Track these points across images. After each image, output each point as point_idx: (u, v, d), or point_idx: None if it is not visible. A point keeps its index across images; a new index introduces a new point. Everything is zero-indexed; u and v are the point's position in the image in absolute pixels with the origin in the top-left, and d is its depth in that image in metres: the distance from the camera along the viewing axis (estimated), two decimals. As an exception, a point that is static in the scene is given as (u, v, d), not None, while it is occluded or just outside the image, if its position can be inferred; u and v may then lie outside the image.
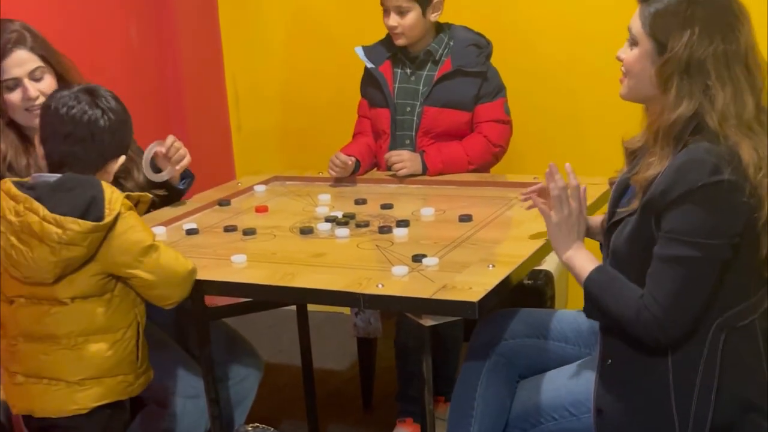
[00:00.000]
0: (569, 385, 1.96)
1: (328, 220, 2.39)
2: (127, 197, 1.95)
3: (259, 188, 2.83)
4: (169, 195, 2.58)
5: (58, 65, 2.33)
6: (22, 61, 2.26)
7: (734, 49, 1.69)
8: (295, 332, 2.69)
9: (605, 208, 2.05)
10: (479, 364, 2.06)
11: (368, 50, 2.93)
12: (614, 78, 1.88)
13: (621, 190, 1.90)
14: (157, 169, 2.50)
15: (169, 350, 2.34)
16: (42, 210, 1.84)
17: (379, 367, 3.14)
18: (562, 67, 3.30)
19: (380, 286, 1.87)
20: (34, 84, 2.28)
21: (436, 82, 2.83)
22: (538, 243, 2.08)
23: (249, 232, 2.34)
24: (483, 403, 2.01)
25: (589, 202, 2.29)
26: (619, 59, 1.84)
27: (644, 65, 1.76)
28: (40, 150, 2.01)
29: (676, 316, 1.70)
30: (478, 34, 2.91)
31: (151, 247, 1.94)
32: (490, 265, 1.95)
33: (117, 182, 2.39)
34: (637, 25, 1.77)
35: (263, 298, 2.30)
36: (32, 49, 2.28)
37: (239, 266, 2.10)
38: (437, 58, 2.85)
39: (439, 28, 2.89)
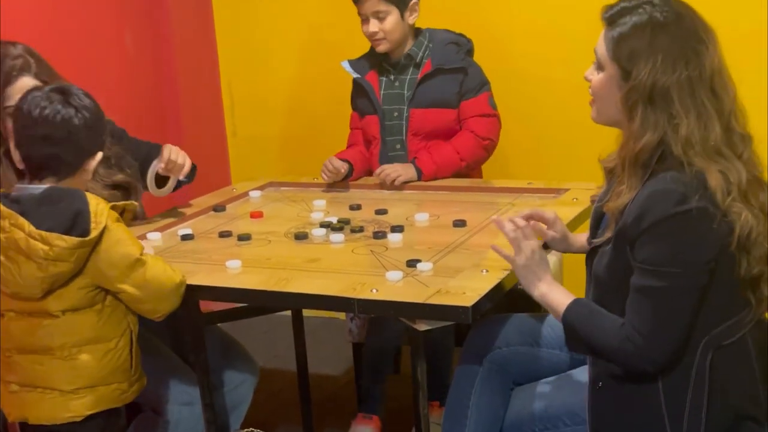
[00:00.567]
0: (564, 395, 1.96)
1: (322, 225, 2.40)
2: (113, 207, 1.94)
3: (254, 194, 2.84)
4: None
5: None
6: (27, 88, 2.18)
7: (699, 75, 1.67)
8: (290, 337, 2.70)
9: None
10: (472, 372, 2.06)
11: (354, 63, 2.98)
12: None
13: (598, 218, 1.90)
14: (162, 182, 2.53)
15: (164, 357, 2.34)
16: (27, 226, 1.83)
17: (374, 372, 3.14)
18: (552, 71, 3.31)
19: (374, 291, 1.88)
20: None
21: (418, 84, 2.86)
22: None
23: (244, 237, 2.35)
24: (477, 411, 2.01)
25: (576, 212, 2.32)
26: (587, 80, 1.83)
27: (610, 90, 1.75)
28: (16, 155, 1.98)
29: (658, 345, 1.70)
30: (458, 34, 2.96)
31: (138, 262, 1.92)
32: (484, 270, 1.96)
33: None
34: (602, 49, 1.75)
35: (258, 303, 2.32)
36: (36, 76, 2.24)
37: (234, 272, 2.11)
38: (418, 61, 2.89)
39: (418, 32, 2.93)
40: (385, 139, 2.92)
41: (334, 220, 2.44)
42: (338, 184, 2.88)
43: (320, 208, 2.63)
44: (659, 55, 1.67)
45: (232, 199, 2.79)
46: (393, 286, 1.93)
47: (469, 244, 2.20)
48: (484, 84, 2.92)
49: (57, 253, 1.83)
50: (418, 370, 2.04)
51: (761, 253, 1.70)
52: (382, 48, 2.86)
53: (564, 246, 2.14)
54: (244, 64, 3.87)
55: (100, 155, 2.00)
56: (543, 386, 2.04)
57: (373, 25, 2.83)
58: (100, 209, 1.89)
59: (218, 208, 2.68)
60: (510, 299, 1.97)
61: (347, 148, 3.04)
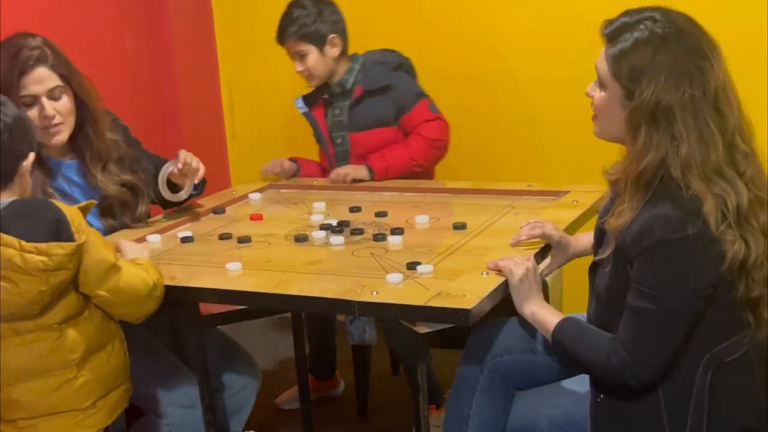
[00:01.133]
0: (565, 404, 1.95)
1: (322, 227, 2.40)
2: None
3: (254, 196, 2.84)
4: (180, 202, 2.62)
5: (77, 86, 2.31)
6: (42, 78, 2.23)
7: (702, 93, 1.64)
8: (290, 340, 2.70)
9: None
10: (473, 380, 2.04)
11: (306, 97, 3.09)
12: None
13: (600, 233, 1.90)
14: (172, 187, 2.54)
15: (166, 360, 2.34)
16: (18, 242, 1.77)
17: (374, 374, 3.14)
18: (551, 74, 3.31)
19: (375, 293, 1.88)
20: (52, 103, 2.26)
21: (350, 109, 2.97)
22: (532, 251, 2.09)
23: (244, 239, 2.35)
24: (478, 421, 2.00)
25: (576, 214, 2.33)
26: (589, 96, 1.81)
27: (613, 108, 1.73)
28: None
29: (644, 362, 1.70)
30: (390, 51, 3.05)
31: (113, 267, 1.90)
32: (484, 273, 1.96)
33: (115, 215, 2.42)
34: (603, 67, 1.73)
35: (258, 305, 2.31)
36: (53, 68, 2.25)
37: (234, 274, 2.11)
38: (349, 87, 2.98)
39: (352, 58, 3.01)
40: (333, 166, 3.03)
41: (334, 222, 2.44)
42: (340, 186, 2.89)
43: (320, 210, 2.63)
44: (662, 73, 1.64)
45: (232, 202, 2.79)
46: (393, 288, 1.93)
47: (470, 247, 2.19)
48: (418, 94, 2.99)
49: (57, 262, 1.79)
50: (418, 372, 2.04)
51: (762, 276, 1.69)
52: (312, 83, 3.01)
53: (570, 254, 2.15)
54: (244, 66, 3.87)
55: (32, 156, 1.93)
56: (544, 394, 2.04)
57: (298, 65, 2.96)
58: (73, 214, 1.86)
59: (218, 211, 2.68)
60: (509, 302, 1.96)
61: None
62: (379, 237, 2.29)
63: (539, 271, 2.00)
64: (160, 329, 2.46)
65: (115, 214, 2.43)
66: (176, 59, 3.69)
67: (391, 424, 3.02)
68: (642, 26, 1.68)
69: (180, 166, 2.48)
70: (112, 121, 2.47)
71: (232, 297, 2.06)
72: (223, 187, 3.10)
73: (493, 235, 2.26)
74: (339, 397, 3.27)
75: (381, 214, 2.52)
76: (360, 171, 2.92)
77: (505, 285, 1.92)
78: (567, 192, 2.57)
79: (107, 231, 2.42)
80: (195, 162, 2.51)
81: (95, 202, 2.04)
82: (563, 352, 1.83)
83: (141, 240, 2.38)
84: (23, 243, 1.77)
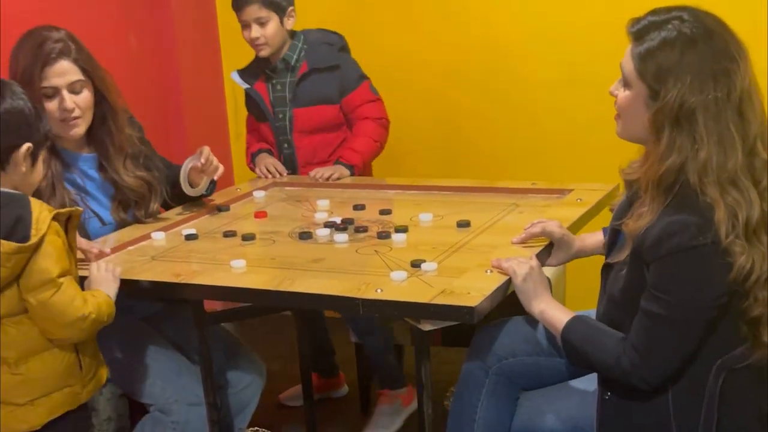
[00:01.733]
0: (571, 408, 1.95)
1: (327, 225, 2.40)
2: (58, 215, 1.88)
3: (258, 194, 2.84)
4: (185, 201, 2.64)
5: (98, 80, 2.33)
6: (64, 71, 2.26)
7: (726, 96, 1.62)
8: (293, 337, 2.70)
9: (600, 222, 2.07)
10: (478, 383, 2.04)
11: (243, 72, 3.10)
12: (605, 86, 1.87)
13: (614, 235, 1.89)
14: (189, 183, 2.56)
15: (171, 357, 2.34)
16: None
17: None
18: (555, 72, 3.32)
19: (379, 291, 1.88)
20: (72, 96, 2.28)
21: (297, 85, 2.99)
22: (536, 248, 2.09)
23: (248, 237, 2.35)
24: (483, 425, 2.00)
25: (580, 212, 2.33)
26: (612, 95, 1.79)
27: (637, 108, 1.71)
28: None
29: (654, 366, 1.70)
30: (331, 32, 3.09)
31: (51, 282, 1.85)
32: (488, 271, 1.96)
33: (128, 209, 2.43)
34: (629, 66, 1.71)
35: (263, 303, 2.31)
36: (75, 61, 2.27)
37: (238, 271, 2.11)
38: (293, 64, 3.00)
39: (293, 35, 3.04)
40: (277, 140, 3.05)
41: (338, 220, 2.44)
42: (341, 184, 2.89)
43: (324, 208, 2.63)
44: (688, 74, 1.62)
45: (236, 199, 2.79)
46: (397, 286, 1.92)
47: (474, 245, 2.19)
48: (361, 76, 3.05)
49: None
50: (422, 370, 2.04)
51: (764, 295, 1.67)
52: (264, 53, 2.99)
53: (573, 252, 2.15)
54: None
55: (26, 146, 1.90)
56: (550, 396, 2.03)
57: (255, 31, 2.94)
58: (42, 217, 1.84)
59: (222, 208, 2.68)
60: (514, 299, 1.96)
61: (250, 148, 3.17)
62: (384, 235, 2.29)
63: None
64: (165, 327, 2.47)
65: (128, 208, 2.45)
66: (180, 58, 3.69)
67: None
68: (670, 26, 1.66)
69: (203, 161, 2.49)
70: (129, 119, 2.50)
71: (237, 294, 2.05)
72: (227, 185, 3.10)
73: (498, 233, 2.26)
74: (342, 395, 3.27)
75: (385, 212, 2.52)
76: (340, 169, 2.95)
77: (510, 282, 1.92)
78: (571, 190, 2.56)
79: (119, 224, 2.43)
80: (216, 161, 2.54)
81: (81, 210, 2.02)
82: (572, 352, 1.82)
83: (145, 238, 2.39)
84: None
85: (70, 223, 1.93)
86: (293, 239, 2.35)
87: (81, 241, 2.15)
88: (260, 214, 2.60)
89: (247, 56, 3.07)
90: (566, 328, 1.82)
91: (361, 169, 3.01)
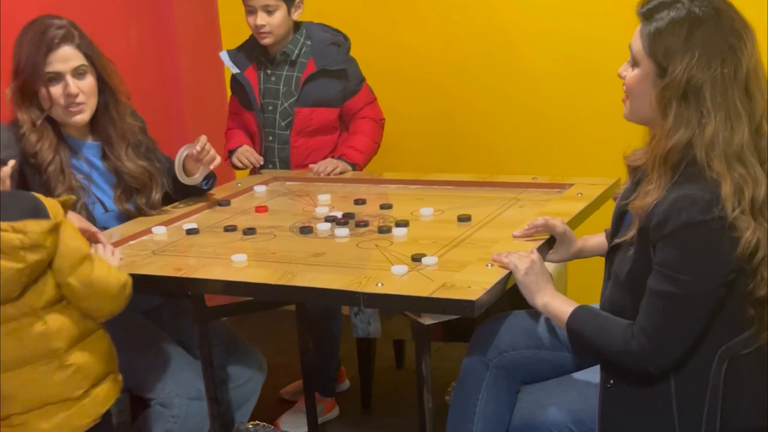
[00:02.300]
0: (571, 401, 1.95)
1: (327, 219, 2.40)
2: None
3: (259, 188, 2.85)
4: (186, 195, 2.65)
5: (101, 67, 2.37)
6: (68, 57, 2.30)
7: (733, 73, 1.65)
8: (294, 333, 2.70)
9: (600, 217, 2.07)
10: (478, 377, 2.04)
11: (233, 54, 3.05)
12: (610, 81, 1.88)
13: (620, 216, 1.89)
14: (185, 173, 2.56)
15: (172, 352, 2.35)
16: None
17: (378, 367, 3.15)
18: (556, 67, 3.31)
19: (380, 285, 1.88)
20: (76, 81, 2.32)
21: (304, 83, 2.95)
22: (537, 243, 2.09)
23: (249, 231, 2.35)
24: (483, 419, 2.00)
25: (581, 207, 2.33)
26: (621, 77, 1.80)
27: (645, 87, 1.73)
28: None
29: (664, 348, 1.70)
30: (336, 31, 3.05)
31: (87, 257, 1.89)
32: (489, 265, 1.96)
33: (131, 198, 2.45)
34: (638, 44, 1.73)
35: (264, 297, 2.32)
36: (78, 47, 2.32)
37: (239, 265, 2.11)
38: (293, 58, 2.97)
39: (296, 28, 3.01)
40: (261, 132, 3.03)
41: (339, 214, 2.44)
42: (342, 179, 2.90)
43: (325, 202, 2.63)
44: (696, 51, 1.64)
45: (237, 194, 2.80)
46: (398, 280, 1.93)
47: (474, 239, 2.19)
48: (362, 79, 3.05)
49: (33, 239, 1.79)
50: (423, 364, 2.04)
51: None
52: (267, 41, 2.94)
53: (574, 250, 2.15)
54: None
55: (11, 163, 1.96)
56: (550, 390, 2.03)
57: (261, 18, 2.89)
58: (51, 203, 1.88)
59: (223, 203, 2.69)
60: (514, 294, 1.97)
61: (229, 132, 3.14)
62: (384, 229, 2.29)
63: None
64: (166, 321, 2.47)
65: (131, 198, 2.46)
66: (181, 53, 3.69)
67: (395, 417, 3.02)
68: (679, 5, 1.68)
69: (198, 148, 2.50)
70: (132, 113, 2.52)
71: (238, 288, 2.05)
72: (228, 180, 3.11)
73: (498, 227, 2.26)
74: (343, 389, 3.27)
75: (386, 207, 2.52)
76: (342, 164, 2.95)
77: (510, 276, 1.92)
78: (572, 185, 2.56)
79: (122, 214, 2.45)
80: (213, 150, 2.54)
81: (74, 198, 2.05)
82: (578, 341, 1.82)
83: (146, 232, 2.39)
84: None
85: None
86: (294, 234, 2.35)
87: (83, 223, 2.17)
88: (261, 209, 2.60)
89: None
90: (572, 317, 1.82)
91: (362, 169, 3.02)
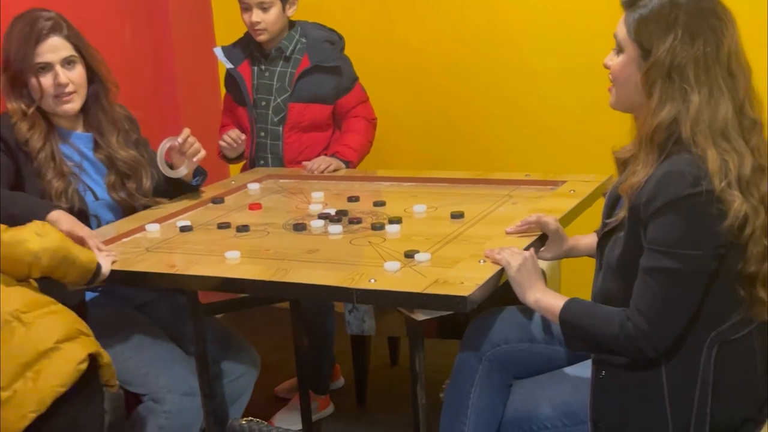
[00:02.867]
0: (563, 394, 1.96)
1: (321, 217, 2.41)
2: None
3: (253, 186, 2.85)
4: (176, 194, 2.65)
5: (89, 57, 2.43)
6: (56, 47, 2.35)
7: (716, 52, 1.69)
8: (289, 330, 2.71)
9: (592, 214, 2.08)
10: (472, 369, 2.05)
11: (227, 50, 3.07)
12: (602, 78, 1.89)
13: (612, 201, 1.91)
14: (170, 167, 2.58)
15: (165, 347, 2.35)
16: None
17: (373, 364, 3.16)
18: (549, 64, 3.32)
19: (373, 281, 1.89)
20: (65, 71, 2.36)
21: (297, 79, 2.97)
22: (529, 239, 2.10)
23: (242, 228, 2.36)
24: (476, 412, 2.01)
25: (573, 204, 2.34)
26: (606, 66, 1.84)
27: (630, 71, 1.76)
28: None
29: (661, 328, 1.70)
30: (330, 30, 3.08)
31: None
32: (481, 261, 1.96)
33: (123, 185, 2.47)
34: (622, 31, 1.77)
35: (257, 293, 2.32)
36: (67, 38, 2.37)
37: (233, 262, 2.12)
38: (288, 54, 2.99)
39: (291, 25, 3.02)
40: (253, 127, 3.04)
41: (332, 211, 2.45)
42: (336, 176, 2.90)
43: (318, 200, 2.64)
44: (679, 30, 1.69)
45: (231, 191, 2.80)
46: (391, 276, 1.93)
47: (467, 236, 2.20)
48: (355, 78, 3.07)
49: None
50: (416, 360, 2.05)
51: (758, 251, 1.70)
52: (262, 38, 2.96)
53: (566, 248, 2.16)
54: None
55: None
56: (542, 384, 2.04)
57: (257, 15, 2.91)
58: None
59: (217, 200, 2.69)
60: (507, 290, 1.97)
61: (223, 128, 3.15)
62: (378, 226, 2.30)
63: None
64: (160, 317, 2.48)
65: (122, 187, 2.49)
66: (176, 52, 3.69)
67: (390, 414, 3.03)
68: None
69: (180, 140, 2.52)
70: (126, 116, 2.57)
71: (231, 285, 2.06)
72: (222, 178, 3.11)
73: (491, 224, 2.27)
74: (338, 387, 3.28)
75: (379, 204, 2.53)
76: (336, 162, 2.96)
77: (502, 272, 1.92)
78: (564, 182, 2.57)
79: (113, 203, 2.48)
80: (197, 143, 2.56)
81: None
82: (573, 332, 1.82)
83: (139, 230, 2.40)
84: None
85: None
86: (288, 231, 2.36)
87: (83, 230, 2.18)
88: (255, 206, 2.60)
89: (242, 48, 3.07)
90: (564, 309, 1.82)
91: (355, 167, 3.02)
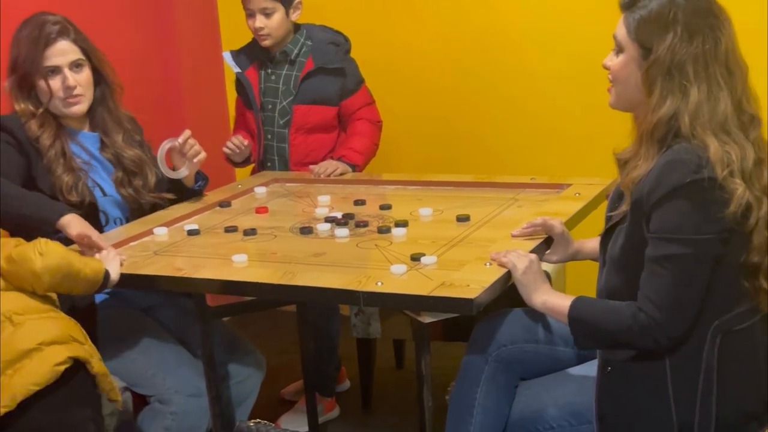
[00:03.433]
0: (569, 394, 1.97)
1: (327, 220, 2.42)
2: None
3: (260, 190, 2.86)
4: (178, 198, 2.66)
5: (96, 59, 2.47)
6: (65, 51, 2.39)
7: (714, 50, 1.73)
8: (295, 333, 2.72)
9: (598, 217, 2.09)
10: (478, 370, 2.06)
11: (235, 55, 3.10)
12: (604, 80, 1.90)
13: (616, 199, 1.92)
14: (173, 168, 2.60)
15: (172, 349, 2.36)
16: None
17: (379, 367, 3.16)
18: (555, 67, 3.32)
19: (379, 284, 1.90)
20: (73, 74, 2.40)
21: (302, 81, 2.99)
22: (534, 242, 2.11)
23: (249, 232, 2.37)
24: (482, 411, 2.02)
25: (579, 207, 2.36)
26: (606, 67, 1.87)
27: (630, 70, 1.80)
28: None
29: (675, 315, 1.72)
30: (336, 32, 3.09)
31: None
32: (487, 263, 1.97)
33: (129, 181, 2.49)
34: (622, 32, 1.80)
35: (265, 296, 2.33)
36: (75, 41, 2.42)
37: (240, 265, 2.13)
38: (293, 57, 3.01)
39: (297, 28, 3.04)
40: (260, 130, 3.07)
41: (338, 215, 2.46)
42: (342, 180, 2.92)
43: (325, 203, 2.65)
44: (678, 28, 1.72)
45: (238, 195, 2.81)
46: (397, 279, 1.94)
47: (473, 238, 2.21)
48: (361, 80, 3.08)
49: None
50: (423, 362, 2.06)
51: (761, 241, 1.72)
52: (267, 43, 2.98)
53: (572, 251, 2.17)
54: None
55: None
56: (548, 384, 2.05)
57: (260, 21, 2.94)
58: None
59: (223, 204, 2.70)
60: (512, 292, 1.98)
61: (236, 131, 3.18)
62: (384, 229, 2.31)
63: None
64: (167, 319, 2.49)
65: (130, 181, 2.52)
66: (182, 55, 3.71)
67: (395, 417, 3.04)
68: None
69: (180, 141, 2.55)
70: (130, 120, 2.61)
71: (239, 288, 2.07)
72: (229, 181, 3.12)
73: (497, 227, 2.28)
74: (344, 389, 3.29)
75: (385, 207, 2.54)
76: (342, 165, 2.98)
77: (508, 275, 1.93)
78: (569, 185, 2.58)
79: (120, 200, 2.51)
80: (197, 145, 2.59)
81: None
82: (583, 330, 1.82)
83: (147, 233, 2.41)
84: None
85: None
86: (294, 234, 2.37)
87: (92, 232, 2.19)
88: (261, 210, 2.61)
89: (248, 51, 3.09)
90: (572, 308, 1.83)
91: (361, 170, 3.03)
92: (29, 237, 2.12)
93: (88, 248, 2.16)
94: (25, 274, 1.95)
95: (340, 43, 3.07)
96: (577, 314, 1.83)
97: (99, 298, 2.40)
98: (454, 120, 3.55)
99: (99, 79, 2.49)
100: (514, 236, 2.14)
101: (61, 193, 2.34)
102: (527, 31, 3.36)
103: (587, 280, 2.28)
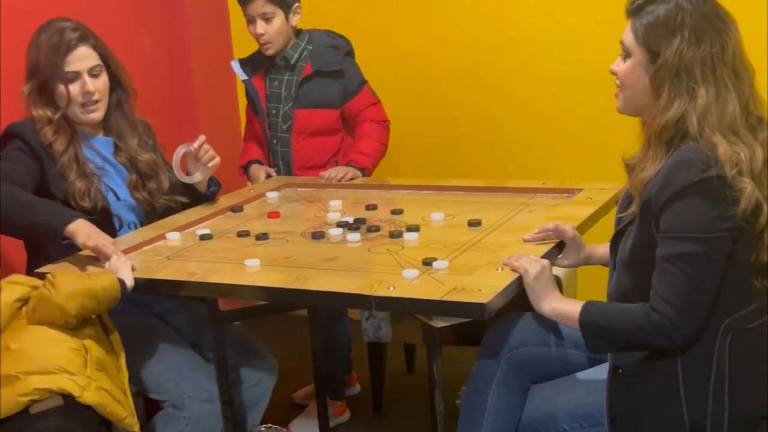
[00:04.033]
0: (580, 397, 1.97)
1: (339, 225, 2.43)
2: None
3: (271, 194, 2.87)
4: (191, 203, 2.67)
5: (113, 65, 2.50)
6: (85, 57, 2.42)
7: (721, 53, 1.74)
8: (306, 337, 2.73)
9: (609, 221, 2.09)
10: (490, 373, 2.07)
11: (243, 63, 3.12)
12: (613, 87, 1.91)
13: (625, 202, 1.93)
14: (187, 173, 2.61)
15: (185, 354, 2.38)
16: None
17: (389, 371, 3.17)
18: (565, 71, 3.33)
19: (391, 288, 1.90)
20: (92, 80, 2.43)
21: (301, 85, 3.00)
22: (546, 247, 2.11)
23: (261, 237, 2.38)
24: (494, 413, 2.02)
25: (590, 211, 2.36)
26: (613, 72, 1.88)
27: (638, 75, 1.81)
28: None
29: (688, 313, 1.72)
30: (337, 36, 3.10)
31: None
32: (499, 268, 1.98)
33: (144, 185, 2.51)
34: (629, 37, 1.82)
35: (277, 301, 2.34)
36: (94, 47, 2.45)
37: (253, 270, 2.14)
38: (293, 62, 3.02)
39: (298, 33, 3.05)
40: (267, 136, 3.08)
41: (350, 219, 2.47)
42: (353, 184, 2.92)
43: (336, 208, 2.65)
44: (686, 32, 1.74)
45: (250, 200, 2.82)
46: (409, 283, 1.95)
47: (485, 243, 2.21)
48: (363, 81, 3.07)
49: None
50: (434, 366, 2.06)
51: None
52: (270, 52, 3.01)
53: (583, 256, 2.17)
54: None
55: None
56: (559, 387, 2.06)
57: (260, 27, 2.95)
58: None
59: (236, 209, 2.71)
60: (524, 296, 1.98)
61: (246, 142, 3.22)
62: (396, 234, 2.31)
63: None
64: (179, 324, 2.50)
65: (144, 185, 2.54)
66: (193, 61, 3.72)
67: (406, 421, 3.04)
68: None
69: (196, 145, 2.57)
70: (144, 123, 2.63)
71: (251, 292, 2.08)
72: (241, 186, 3.14)
73: (508, 232, 2.28)
74: (354, 394, 3.29)
75: (397, 212, 2.54)
76: (352, 170, 2.98)
77: (520, 280, 1.94)
78: (581, 189, 2.58)
79: (134, 204, 2.52)
80: (212, 150, 2.60)
81: None
82: (594, 333, 1.83)
83: (160, 238, 2.42)
84: None
85: None
86: (306, 239, 2.38)
87: (100, 237, 2.19)
88: (273, 215, 2.62)
89: (259, 56, 3.10)
90: (583, 312, 1.84)
91: (371, 172, 3.04)
92: (41, 245, 2.15)
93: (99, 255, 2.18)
94: (51, 310, 1.98)
95: (339, 45, 3.08)
96: (588, 318, 1.83)
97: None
98: (464, 124, 3.55)
99: (115, 84, 2.51)
100: (525, 241, 2.14)
101: (74, 199, 2.35)
102: (537, 37, 3.37)
103: (598, 284, 2.28)
